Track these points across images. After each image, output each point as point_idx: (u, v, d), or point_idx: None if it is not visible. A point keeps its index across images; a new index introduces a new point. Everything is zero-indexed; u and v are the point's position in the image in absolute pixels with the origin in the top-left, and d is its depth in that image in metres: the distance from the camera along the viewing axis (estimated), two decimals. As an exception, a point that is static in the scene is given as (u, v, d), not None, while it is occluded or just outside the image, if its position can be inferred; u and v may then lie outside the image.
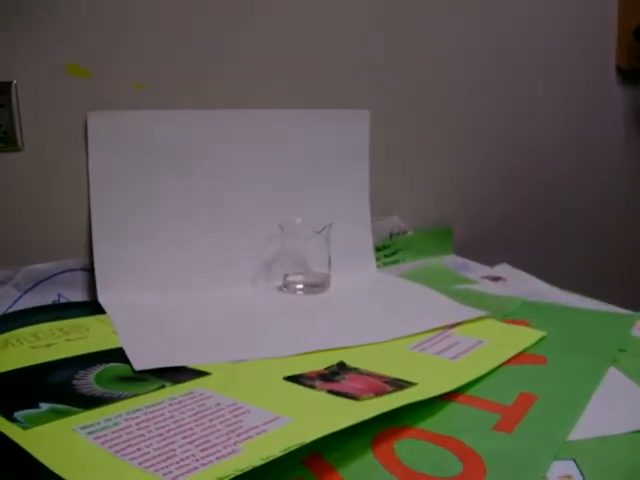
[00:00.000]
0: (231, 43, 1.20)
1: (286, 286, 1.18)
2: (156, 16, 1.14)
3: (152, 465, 0.58)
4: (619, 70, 1.64)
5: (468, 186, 1.50)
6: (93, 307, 1.07)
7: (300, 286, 1.17)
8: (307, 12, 1.26)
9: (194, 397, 0.74)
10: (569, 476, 0.60)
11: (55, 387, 0.77)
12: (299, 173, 1.25)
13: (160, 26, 1.14)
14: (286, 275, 1.18)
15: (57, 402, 0.72)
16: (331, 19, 1.28)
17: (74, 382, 0.78)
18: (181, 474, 0.57)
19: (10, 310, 1.07)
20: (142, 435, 0.64)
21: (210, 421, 0.67)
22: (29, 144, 1.08)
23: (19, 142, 1.07)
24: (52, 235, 1.11)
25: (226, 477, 0.55)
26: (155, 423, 0.67)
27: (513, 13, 1.49)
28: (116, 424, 0.67)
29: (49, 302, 1.10)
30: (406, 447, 0.66)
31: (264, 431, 0.65)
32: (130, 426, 0.66)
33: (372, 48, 1.33)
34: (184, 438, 0.64)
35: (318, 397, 0.74)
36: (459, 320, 1.00)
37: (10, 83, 1.06)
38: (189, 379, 0.79)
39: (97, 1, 1.10)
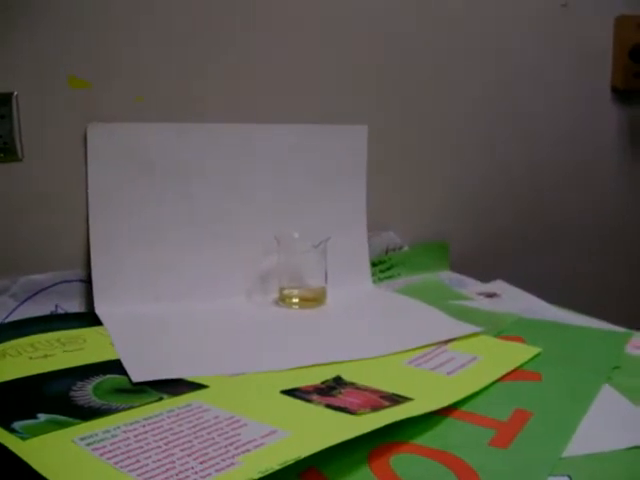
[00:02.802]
0: (230, 57, 1.21)
1: (282, 300, 1.18)
2: (156, 28, 1.15)
3: (151, 477, 0.58)
4: (615, 90, 1.66)
5: (464, 202, 1.51)
6: (90, 318, 1.07)
7: (296, 300, 1.17)
8: (306, 27, 1.27)
9: (192, 410, 0.74)
10: (564, 492, 0.61)
11: (53, 398, 0.78)
12: (296, 187, 1.26)
13: (159, 39, 1.15)
14: (282, 289, 1.18)
15: (55, 413, 0.73)
16: (329, 35, 1.29)
17: (72, 393, 0.79)
18: (180, 486, 0.57)
19: (7, 320, 1.07)
20: (141, 447, 0.64)
21: (208, 434, 0.68)
22: (29, 155, 1.09)
23: (19, 153, 1.08)
24: (50, 246, 1.12)
25: (224, 490, 0.55)
26: (154, 435, 0.67)
27: (511, 31, 1.50)
28: (115, 435, 0.67)
29: (47, 313, 1.10)
30: (402, 462, 0.66)
31: (262, 444, 0.65)
32: (129, 438, 0.66)
33: (369, 64, 1.34)
34: (183, 450, 0.64)
35: (315, 411, 0.75)
36: (454, 336, 1.01)
37: (11, 94, 1.06)
38: (187, 392, 0.79)
39: (98, 14, 1.10)
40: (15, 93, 1.07)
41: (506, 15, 1.49)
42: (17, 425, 0.69)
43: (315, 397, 0.79)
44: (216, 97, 1.21)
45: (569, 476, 0.63)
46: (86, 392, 0.79)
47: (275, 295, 1.19)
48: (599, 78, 1.65)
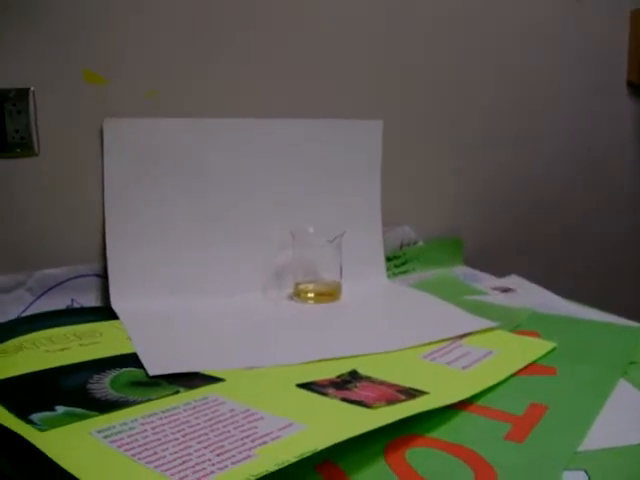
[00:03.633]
0: (245, 51, 1.21)
1: (297, 294, 1.18)
2: (169, 23, 1.15)
3: (168, 469, 0.59)
4: (630, 84, 1.65)
5: (479, 197, 1.50)
6: (106, 312, 1.08)
7: (311, 295, 1.17)
8: (322, 22, 1.27)
9: (208, 403, 0.74)
10: (580, 486, 0.61)
11: (70, 391, 0.78)
12: (311, 182, 1.26)
13: (173, 33, 1.15)
14: (297, 283, 1.18)
15: (73, 405, 0.73)
16: (344, 30, 1.29)
17: (89, 386, 0.79)
18: (197, 478, 0.57)
19: (23, 314, 1.08)
20: (158, 439, 0.65)
21: (225, 427, 0.68)
22: (45, 149, 1.09)
23: (35, 147, 1.08)
24: (66, 240, 1.12)
25: (242, 482, 0.56)
26: (171, 428, 0.68)
27: (524, 29, 1.50)
28: (132, 428, 0.67)
29: (62, 307, 1.11)
30: (418, 455, 0.66)
31: (278, 437, 0.66)
32: (146, 430, 0.67)
33: (386, 60, 1.34)
34: (199, 443, 0.64)
35: (331, 404, 0.75)
36: (470, 330, 1.01)
37: (28, 90, 1.07)
38: (203, 385, 0.80)
39: (112, 9, 1.11)
40: (32, 89, 1.07)
41: (521, 13, 1.49)
42: (35, 417, 0.70)
43: (331, 391, 0.79)
44: (230, 92, 1.21)
45: (585, 470, 0.63)
46: (103, 385, 0.80)
47: (290, 290, 1.20)
48: (614, 73, 1.65)
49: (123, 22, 1.12)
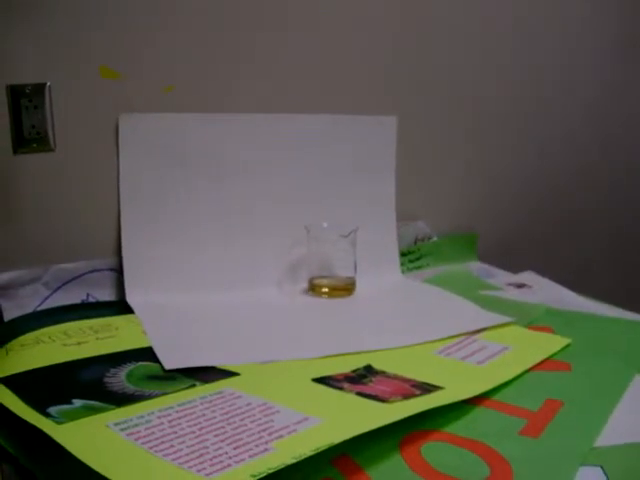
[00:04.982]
0: (260, 47, 1.21)
1: (312, 289, 1.18)
2: (186, 18, 1.15)
3: (186, 462, 0.59)
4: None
5: (493, 193, 1.50)
6: (121, 307, 1.08)
7: (325, 289, 1.18)
8: (339, 20, 1.27)
9: (224, 396, 0.75)
10: (597, 482, 0.61)
11: (87, 384, 0.79)
12: (326, 177, 1.26)
13: (189, 28, 1.15)
14: (312, 278, 1.19)
15: (90, 399, 0.74)
16: (359, 26, 1.29)
17: (105, 380, 0.80)
18: (215, 471, 0.58)
19: (39, 308, 1.08)
20: (175, 432, 0.65)
21: (241, 420, 0.68)
22: (61, 145, 1.10)
23: (52, 143, 1.09)
24: (82, 235, 1.13)
25: (259, 475, 0.56)
26: (187, 421, 0.68)
27: (539, 27, 1.49)
28: (149, 421, 0.68)
29: (78, 301, 1.11)
30: (433, 450, 0.67)
31: (294, 431, 0.66)
32: (163, 423, 0.67)
33: (401, 55, 1.34)
34: (216, 436, 0.65)
35: (347, 399, 0.75)
36: (485, 326, 1.01)
37: (44, 85, 1.07)
38: (219, 379, 0.80)
39: (129, 6, 1.11)
40: (48, 84, 1.08)
41: (537, 12, 1.48)
42: (52, 410, 0.70)
43: (346, 385, 0.79)
44: (246, 87, 1.21)
45: (601, 466, 0.63)
46: (120, 379, 0.80)
47: (305, 285, 1.20)
48: (627, 58, 1.63)
49: (139, 19, 1.12)
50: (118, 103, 1.12)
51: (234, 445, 0.63)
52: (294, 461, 0.58)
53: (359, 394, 0.76)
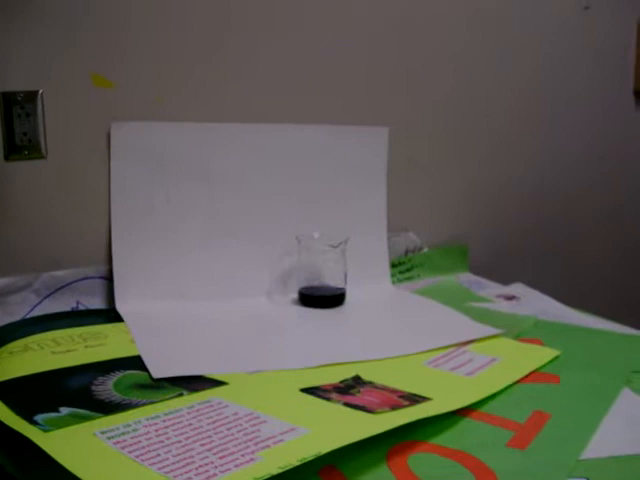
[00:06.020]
0: (250, 58, 1.21)
1: (301, 299, 1.18)
2: (177, 29, 1.15)
3: (172, 471, 0.59)
4: (637, 93, 1.65)
5: (484, 204, 1.50)
6: (111, 315, 1.08)
7: (315, 300, 1.17)
8: (326, 28, 1.27)
9: (212, 406, 0.75)
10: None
11: (75, 392, 0.79)
12: (317, 187, 1.26)
13: (181, 39, 1.16)
14: (302, 288, 1.19)
15: (77, 407, 0.74)
16: (351, 36, 1.29)
17: (93, 388, 0.80)
18: (200, 480, 0.58)
19: (29, 315, 1.08)
20: (161, 441, 0.65)
21: (228, 429, 0.68)
22: (53, 152, 1.10)
23: (43, 150, 1.09)
24: (72, 242, 1.13)
25: (245, 485, 0.56)
26: (174, 430, 0.68)
27: (533, 35, 1.50)
28: (135, 430, 0.68)
29: (68, 309, 1.11)
30: (420, 461, 0.67)
31: (281, 441, 0.66)
32: (149, 432, 0.67)
33: (392, 65, 1.34)
34: (203, 445, 0.65)
35: (334, 409, 0.75)
36: (474, 337, 1.01)
37: (36, 92, 1.07)
38: (206, 388, 0.80)
39: (121, 14, 1.11)
40: (40, 91, 1.08)
41: (528, 19, 1.49)
42: (39, 418, 0.70)
43: (334, 395, 0.79)
44: (237, 97, 1.21)
45: (587, 478, 0.63)
46: (107, 387, 0.80)
47: (295, 295, 1.20)
48: (621, 82, 1.64)
49: (132, 27, 1.12)
50: (110, 111, 1.12)
51: (220, 455, 0.63)
52: (280, 471, 0.58)
53: (347, 405, 0.76)
